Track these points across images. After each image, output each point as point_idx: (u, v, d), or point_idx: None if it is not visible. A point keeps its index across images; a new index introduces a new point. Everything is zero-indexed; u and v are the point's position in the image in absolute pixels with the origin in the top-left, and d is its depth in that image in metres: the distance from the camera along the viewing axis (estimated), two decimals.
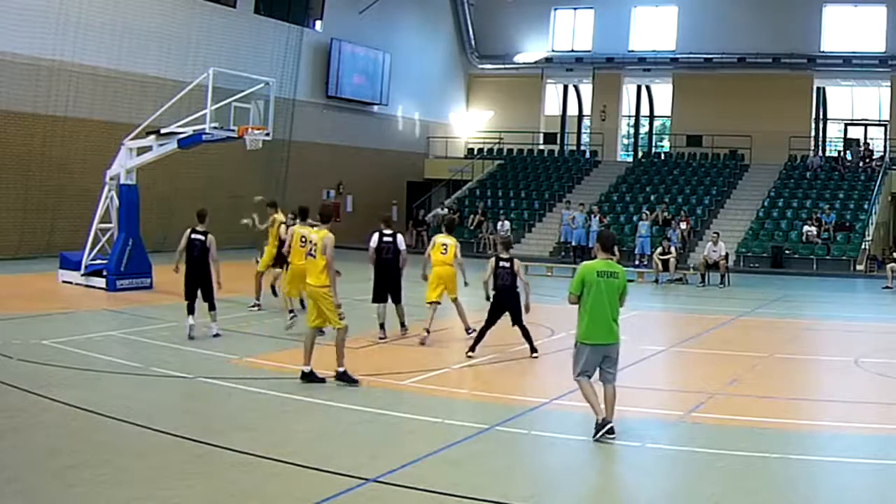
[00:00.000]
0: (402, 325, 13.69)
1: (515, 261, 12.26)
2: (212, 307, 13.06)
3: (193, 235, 13.06)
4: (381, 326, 13.42)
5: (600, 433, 8.03)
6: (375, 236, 13.51)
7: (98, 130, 24.04)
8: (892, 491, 7.14)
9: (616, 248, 8.54)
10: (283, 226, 15.41)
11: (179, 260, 13.19)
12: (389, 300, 13.47)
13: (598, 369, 8.31)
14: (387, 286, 13.32)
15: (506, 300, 12.12)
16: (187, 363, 11.05)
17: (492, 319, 12.30)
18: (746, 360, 12.48)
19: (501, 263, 12.18)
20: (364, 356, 12.16)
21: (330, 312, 9.99)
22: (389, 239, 13.42)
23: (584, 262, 8.58)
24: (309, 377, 10.02)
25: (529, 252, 30.20)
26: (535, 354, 12.28)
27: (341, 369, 10.07)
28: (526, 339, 12.34)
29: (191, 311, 12.91)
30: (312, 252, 10.22)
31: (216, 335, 12.88)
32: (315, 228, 10.59)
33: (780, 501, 6.81)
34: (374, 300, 13.47)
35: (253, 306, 15.82)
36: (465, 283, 13.48)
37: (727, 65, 35.98)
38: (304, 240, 11.09)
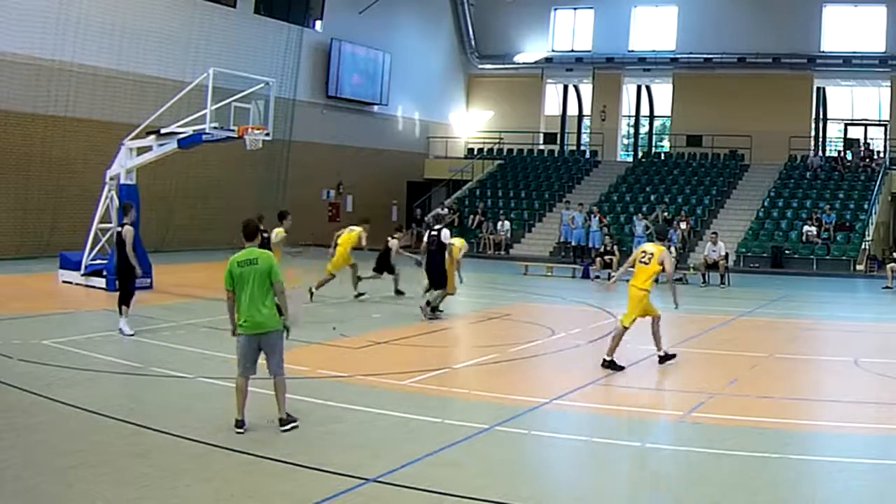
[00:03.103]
0: (436, 307, 15.62)
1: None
2: (125, 302, 12.80)
3: (119, 229, 13.19)
4: (428, 304, 15.47)
5: (238, 429, 8.07)
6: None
7: (98, 130, 24.03)
8: (891, 491, 7.14)
9: (260, 236, 8.49)
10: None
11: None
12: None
13: (258, 362, 8.27)
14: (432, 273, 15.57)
15: None
16: (187, 363, 11.04)
17: None
18: (746, 360, 12.48)
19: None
20: (364, 356, 12.18)
21: (631, 312, 11.51)
22: (435, 234, 15.76)
23: (231, 257, 8.38)
24: (610, 365, 11.36)
25: (529, 252, 30.21)
26: None
27: (608, 358, 11.41)
28: None
29: (128, 305, 12.89)
30: (647, 260, 11.57)
31: (128, 334, 12.64)
32: (654, 244, 11.98)
33: (780, 501, 6.81)
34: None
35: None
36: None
37: (727, 65, 35.98)
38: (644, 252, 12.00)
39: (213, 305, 15.43)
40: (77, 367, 10.56)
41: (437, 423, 8.65)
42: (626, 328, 11.51)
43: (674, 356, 11.87)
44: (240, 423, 8.07)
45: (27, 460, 7.15)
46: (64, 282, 18.69)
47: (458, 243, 16.18)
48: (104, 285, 17.83)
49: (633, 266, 11.90)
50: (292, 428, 8.13)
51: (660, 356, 11.85)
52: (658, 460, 7.93)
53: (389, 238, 18.24)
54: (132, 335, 12.71)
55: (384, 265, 18.39)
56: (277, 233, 15.47)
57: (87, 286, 18.12)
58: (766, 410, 9.60)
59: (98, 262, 18.45)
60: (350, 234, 17.53)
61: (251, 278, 8.13)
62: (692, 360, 12.93)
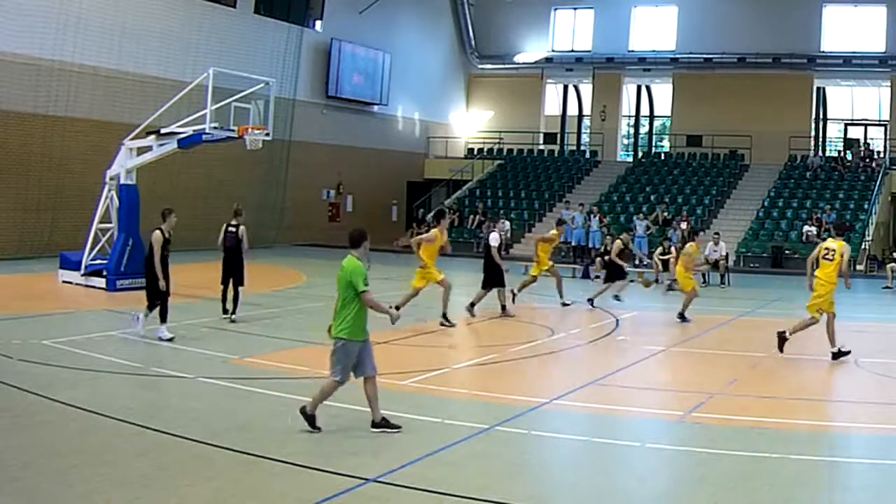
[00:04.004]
0: (503, 307, 16.21)
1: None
2: (152, 308, 12.69)
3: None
4: (472, 305, 16.02)
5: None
6: None
7: (98, 130, 24.01)
8: (891, 491, 7.14)
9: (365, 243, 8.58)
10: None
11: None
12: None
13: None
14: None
15: None
16: (187, 363, 11.04)
17: None
18: (746, 360, 12.48)
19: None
20: None
21: (815, 304, 12.37)
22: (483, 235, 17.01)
23: None
24: (840, 354, 12.29)
25: (529, 252, 30.07)
26: None
27: (835, 349, 12.36)
28: None
29: (150, 309, 12.69)
30: (830, 257, 12.34)
31: (168, 339, 12.41)
32: (833, 239, 12.76)
33: (780, 501, 6.80)
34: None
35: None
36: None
37: (727, 65, 35.97)
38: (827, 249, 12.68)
39: (213, 305, 15.44)
40: (77, 367, 10.56)
41: (437, 423, 8.65)
42: (833, 314, 12.43)
43: (848, 352, 12.31)
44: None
45: (27, 460, 7.15)
46: (64, 282, 18.68)
47: (690, 248, 16.88)
48: (104, 285, 17.83)
49: (815, 263, 12.59)
50: (310, 431, 8.12)
51: (833, 353, 12.30)
52: (658, 460, 7.93)
53: (611, 239, 19.05)
54: (171, 339, 12.39)
55: (615, 272, 18.41)
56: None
57: (87, 286, 18.10)
58: (766, 410, 9.60)
59: (98, 262, 18.43)
60: (548, 238, 18.60)
61: (338, 285, 8.40)
62: (692, 360, 12.94)
